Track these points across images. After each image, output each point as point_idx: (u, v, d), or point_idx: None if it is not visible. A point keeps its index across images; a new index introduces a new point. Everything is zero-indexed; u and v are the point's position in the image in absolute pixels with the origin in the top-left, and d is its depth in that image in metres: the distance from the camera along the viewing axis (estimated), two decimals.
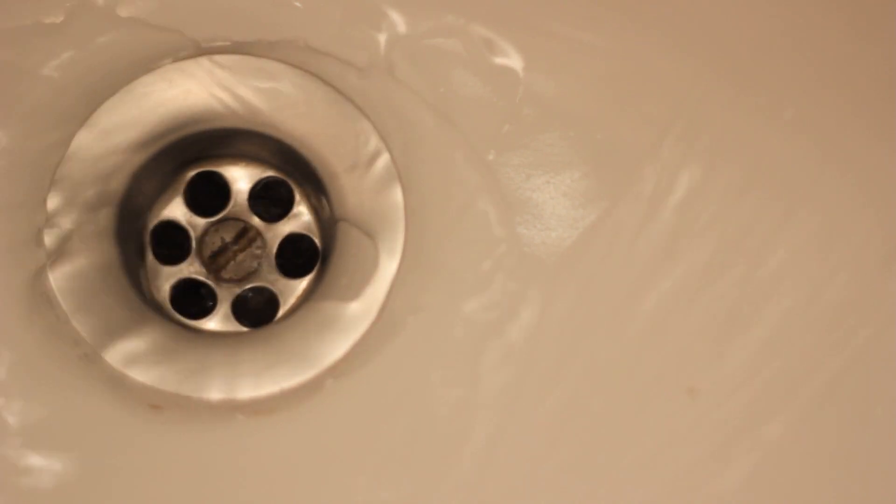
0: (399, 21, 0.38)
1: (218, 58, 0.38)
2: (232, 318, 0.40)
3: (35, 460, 0.36)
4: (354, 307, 0.38)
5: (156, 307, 0.39)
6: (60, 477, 0.36)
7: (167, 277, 0.40)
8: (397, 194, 0.38)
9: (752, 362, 0.38)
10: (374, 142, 0.39)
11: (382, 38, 0.38)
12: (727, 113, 0.38)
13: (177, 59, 0.38)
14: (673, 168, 0.38)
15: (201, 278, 0.41)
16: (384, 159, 0.38)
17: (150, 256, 0.40)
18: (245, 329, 0.40)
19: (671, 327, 0.38)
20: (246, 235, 0.41)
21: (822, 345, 0.38)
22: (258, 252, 0.41)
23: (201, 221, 0.41)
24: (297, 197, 0.41)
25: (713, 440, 0.37)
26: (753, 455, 0.37)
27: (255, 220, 0.41)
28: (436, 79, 0.38)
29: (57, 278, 0.37)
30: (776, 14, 0.39)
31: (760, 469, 0.37)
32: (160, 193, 0.40)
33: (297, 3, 0.38)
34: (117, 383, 0.37)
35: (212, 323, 0.40)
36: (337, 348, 0.38)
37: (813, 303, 0.38)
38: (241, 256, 0.41)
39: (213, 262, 0.41)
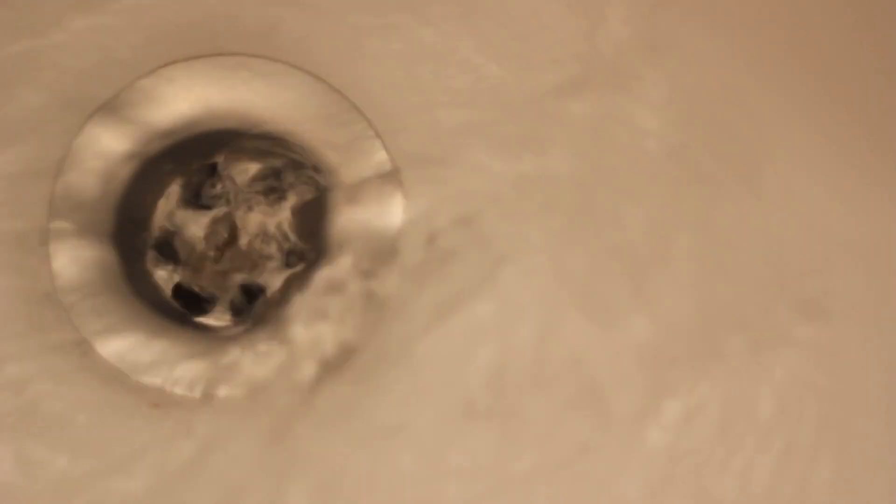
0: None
1: (218, 59, 0.38)
2: (230, 315, 0.41)
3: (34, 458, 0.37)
4: (352, 305, 0.38)
5: (155, 305, 0.39)
6: (59, 473, 0.37)
7: (166, 275, 0.41)
8: (396, 195, 0.39)
9: None
10: (373, 143, 0.39)
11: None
12: None
13: (177, 61, 0.38)
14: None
15: (199, 276, 0.41)
16: (383, 160, 0.39)
17: (149, 254, 0.40)
18: (245, 325, 0.40)
19: None
20: (245, 234, 0.41)
21: None
22: (256, 250, 0.41)
23: (200, 219, 0.41)
24: (295, 197, 0.41)
25: None
26: None
27: (253, 219, 0.41)
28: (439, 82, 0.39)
29: (57, 277, 0.38)
30: None
31: None
32: (160, 192, 0.40)
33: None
34: (117, 382, 0.37)
35: (211, 320, 0.40)
36: (337, 346, 0.38)
37: None
38: (239, 254, 0.41)
39: (212, 260, 0.41)
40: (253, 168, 0.41)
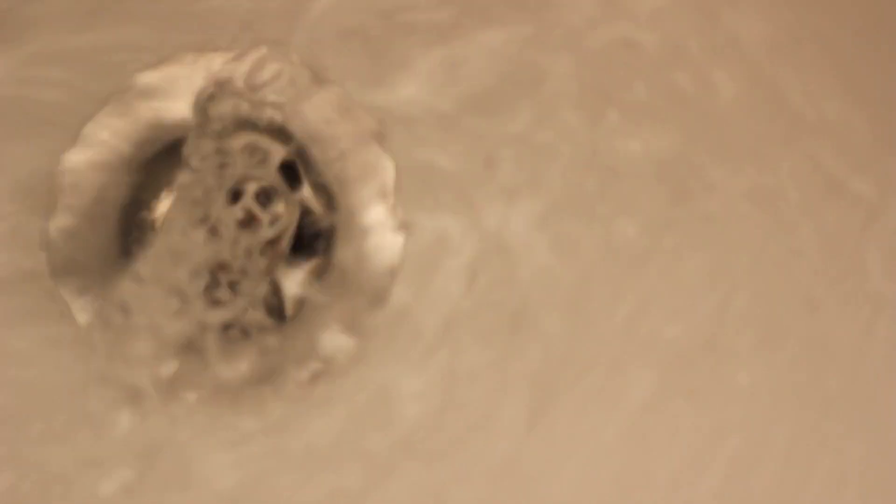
0: None
1: (220, 56, 0.39)
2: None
3: None
4: (354, 300, 0.38)
5: None
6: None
7: None
8: (396, 195, 0.39)
9: None
10: (373, 144, 0.39)
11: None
12: None
13: (181, 58, 0.39)
14: None
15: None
16: (384, 160, 0.39)
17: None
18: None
19: None
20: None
21: None
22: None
23: None
24: (295, 197, 0.41)
25: None
26: None
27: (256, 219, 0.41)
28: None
29: (58, 272, 0.38)
30: None
31: None
32: (163, 189, 0.40)
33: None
34: (116, 375, 0.37)
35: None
36: (340, 344, 0.38)
37: None
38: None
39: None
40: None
